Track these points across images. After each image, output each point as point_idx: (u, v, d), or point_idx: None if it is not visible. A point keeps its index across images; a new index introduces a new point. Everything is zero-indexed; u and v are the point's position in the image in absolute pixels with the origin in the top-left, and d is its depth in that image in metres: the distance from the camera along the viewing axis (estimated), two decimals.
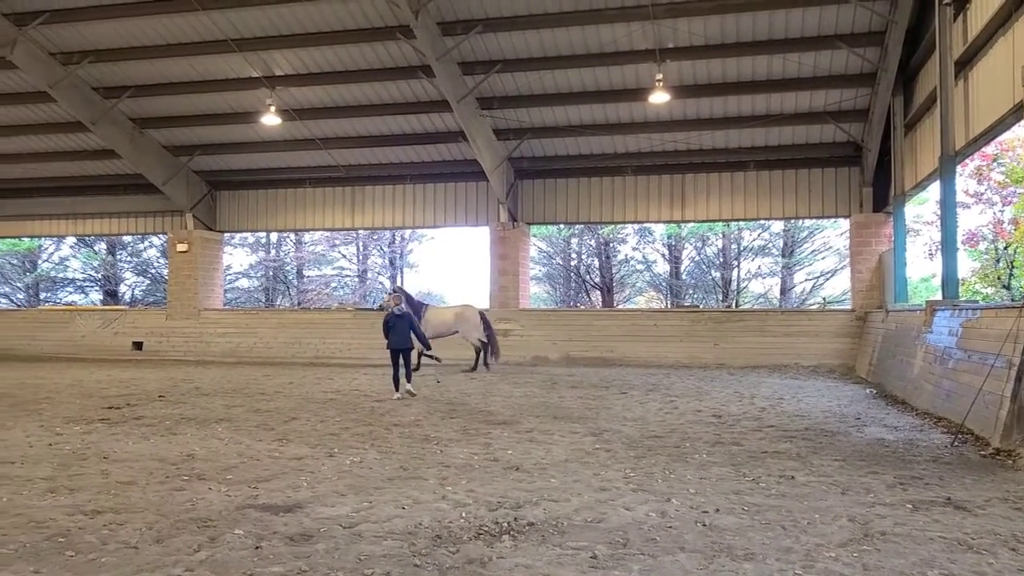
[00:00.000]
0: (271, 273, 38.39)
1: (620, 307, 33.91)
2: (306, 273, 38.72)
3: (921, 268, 27.86)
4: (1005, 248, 24.28)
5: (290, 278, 38.71)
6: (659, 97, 16.81)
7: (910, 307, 15.20)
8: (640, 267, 35.83)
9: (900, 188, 16.77)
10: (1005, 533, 5.38)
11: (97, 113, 19.62)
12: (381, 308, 18.35)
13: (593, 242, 35.38)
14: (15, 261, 37.65)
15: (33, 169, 23.75)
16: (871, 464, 7.74)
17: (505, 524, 5.67)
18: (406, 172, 22.24)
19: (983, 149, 16.79)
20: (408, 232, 35.91)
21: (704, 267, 34.82)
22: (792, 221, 29.92)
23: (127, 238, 35.86)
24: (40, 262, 38.28)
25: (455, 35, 16.50)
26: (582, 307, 34.44)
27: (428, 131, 20.52)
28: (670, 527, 5.64)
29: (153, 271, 37.80)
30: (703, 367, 18.87)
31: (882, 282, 18.46)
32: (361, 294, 37.27)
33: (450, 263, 45.93)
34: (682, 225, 31.14)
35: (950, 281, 11.96)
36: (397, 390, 12.94)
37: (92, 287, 38.66)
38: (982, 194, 24.24)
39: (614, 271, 35.37)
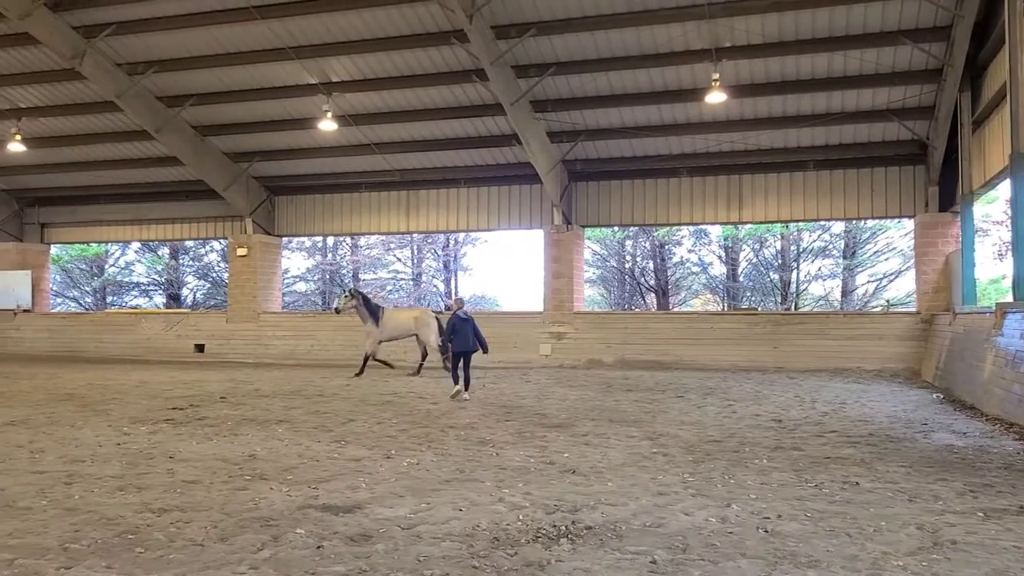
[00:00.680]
0: (328, 276, 38.98)
1: (676, 310, 33.58)
2: (362, 276, 39.19)
3: (990, 269, 27.02)
4: None
5: (346, 281, 39.24)
6: (715, 97, 16.58)
7: (979, 309, 14.71)
8: (696, 269, 35.43)
9: (968, 187, 16.25)
10: None
11: (161, 121, 20.16)
12: (337, 311, 18.19)
13: (648, 244, 35.10)
14: (84, 266, 38.92)
15: (101, 176, 24.51)
16: (939, 471, 7.51)
17: (563, 527, 5.64)
18: (460, 176, 22.36)
19: None
20: (462, 235, 36.11)
21: (762, 269, 34.26)
22: (854, 222, 29.25)
23: (189, 243, 36.76)
24: (107, 267, 39.51)
25: (509, 38, 16.53)
26: (637, 310, 34.19)
27: (482, 134, 20.60)
28: (731, 533, 5.55)
29: (214, 275, 38.71)
30: (761, 371, 18.56)
31: (949, 284, 17.92)
32: (416, 297, 37.59)
33: (504, 266, 46.00)
34: (739, 227, 30.72)
35: (1021, 282, 11.53)
36: (456, 383, 13.18)
37: (156, 291, 39.78)
38: None
39: (669, 273, 35.05)
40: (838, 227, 31.73)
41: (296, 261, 38.85)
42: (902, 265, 30.54)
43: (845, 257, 32.47)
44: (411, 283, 38.75)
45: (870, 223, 29.80)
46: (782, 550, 5.15)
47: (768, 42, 16.16)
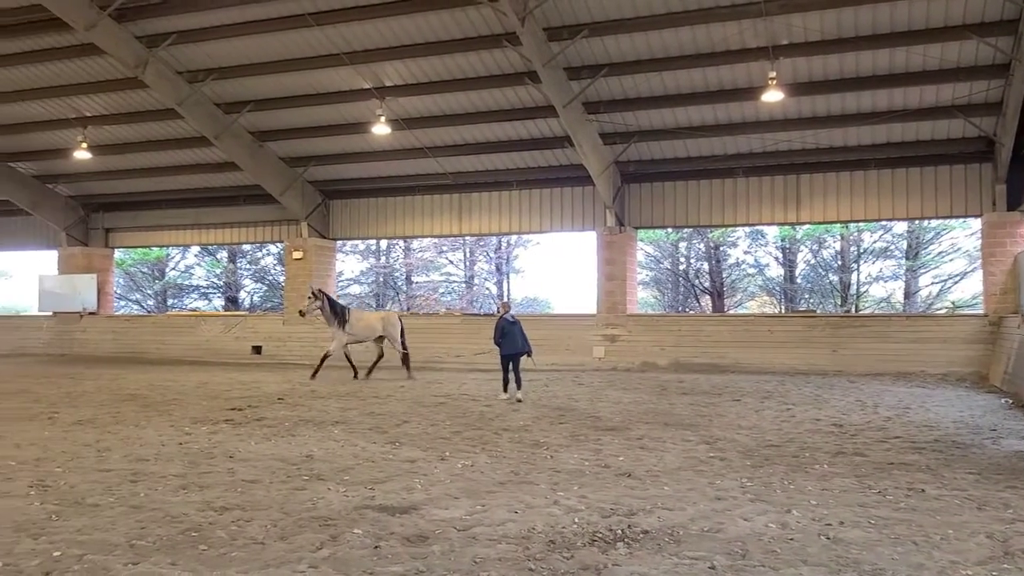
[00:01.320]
0: (381, 279, 39.39)
1: (731, 312, 33.12)
2: (414, 279, 39.52)
3: None
4: None
5: (399, 284, 39.61)
6: (772, 96, 16.29)
7: None
8: (752, 271, 34.90)
9: None
10: None
11: (219, 128, 20.60)
12: (301, 313, 17.58)
13: (702, 246, 34.69)
14: (145, 269, 39.99)
15: (162, 182, 25.14)
16: (1009, 478, 7.26)
17: (619, 531, 5.59)
18: (512, 178, 22.38)
19: None
20: (514, 238, 36.15)
21: (821, 270, 33.58)
22: (917, 222, 28.46)
23: (246, 246, 37.51)
24: (168, 270, 40.52)
25: (561, 40, 16.49)
26: (691, 312, 33.80)
27: (534, 137, 20.58)
28: (791, 539, 5.44)
29: (270, 278, 39.42)
30: (821, 374, 18.17)
31: (1018, 285, 17.29)
32: (468, 300, 37.75)
33: (556, 268, 45.86)
34: (797, 227, 30.16)
35: None
36: (505, 391, 13.49)
37: (215, 293, 40.68)
38: None
39: (724, 275, 34.59)
40: (900, 227, 30.88)
41: (350, 264, 39.36)
42: (968, 266, 29.59)
43: (908, 258, 31.61)
44: (463, 286, 38.94)
45: (934, 223, 28.93)
46: (845, 557, 5.04)
47: (827, 39, 15.81)
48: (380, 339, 17.82)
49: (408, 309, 37.30)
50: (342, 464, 7.95)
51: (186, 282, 40.85)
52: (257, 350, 24.57)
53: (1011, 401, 13.07)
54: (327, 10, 16.74)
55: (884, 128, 18.29)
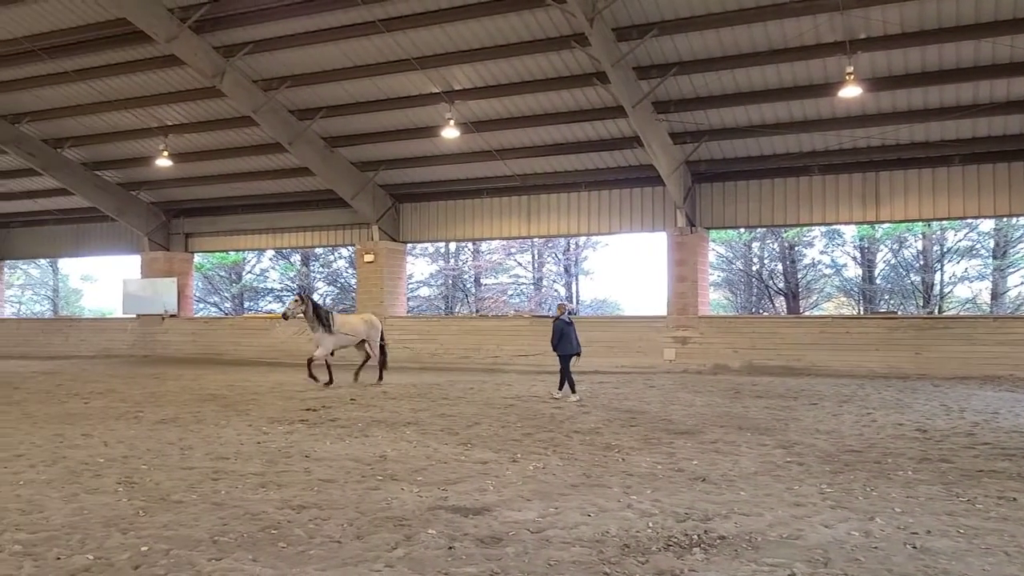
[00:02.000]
0: (450, 281, 39.72)
1: (807, 313, 32.33)
2: (483, 281, 39.73)
3: None
4: None
5: (468, 286, 39.87)
6: (850, 91, 15.82)
7: None
8: (828, 271, 34.02)
9: None
10: None
11: (293, 134, 21.07)
12: (285, 316, 16.76)
13: (776, 246, 33.97)
14: (223, 273, 41.21)
15: (238, 188, 25.83)
16: None
17: (695, 536, 5.50)
18: (581, 179, 22.28)
19: None
20: (583, 239, 36.02)
21: (901, 270, 32.51)
22: (1005, 219, 27.29)
23: (319, 250, 38.31)
24: (244, 273, 41.68)
25: (630, 40, 16.33)
26: (765, 313, 33.12)
27: (603, 138, 20.44)
28: (875, 548, 5.27)
29: (342, 281, 40.18)
30: (902, 378, 17.58)
31: None
32: (537, 301, 37.77)
33: (626, 270, 45.53)
34: (876, 226, 29.26)
35: None
36: (573, 392, 13.68)
37: (289, 296, 41.62)
38: None
39: (799, 276, 33.80)
40: (987, 225, 29.69)
41: (420, 266, 39.82)
42: None
43: (995, 257, 30.35)
44: (532, 288, 38.97)
45: (1023, 220, 27.72)
46: (933, 568, 4.87)
47: (907, 31, 15.29)
48: (363, 342, 17.42)
49: (477, 311, 37.55)
50: (415, 465, 8.02)
51: (261, 285, 41.97)
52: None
53: None
54: (397, 16, 16.94)
55: (969, 123, 17.60)
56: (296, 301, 16.42)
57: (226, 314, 39.54)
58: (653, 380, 17.55)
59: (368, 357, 17.49)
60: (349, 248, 33.65)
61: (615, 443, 9.33)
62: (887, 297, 32.78)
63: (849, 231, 31.67)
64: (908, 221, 23.57)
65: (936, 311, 30.22)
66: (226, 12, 17.44)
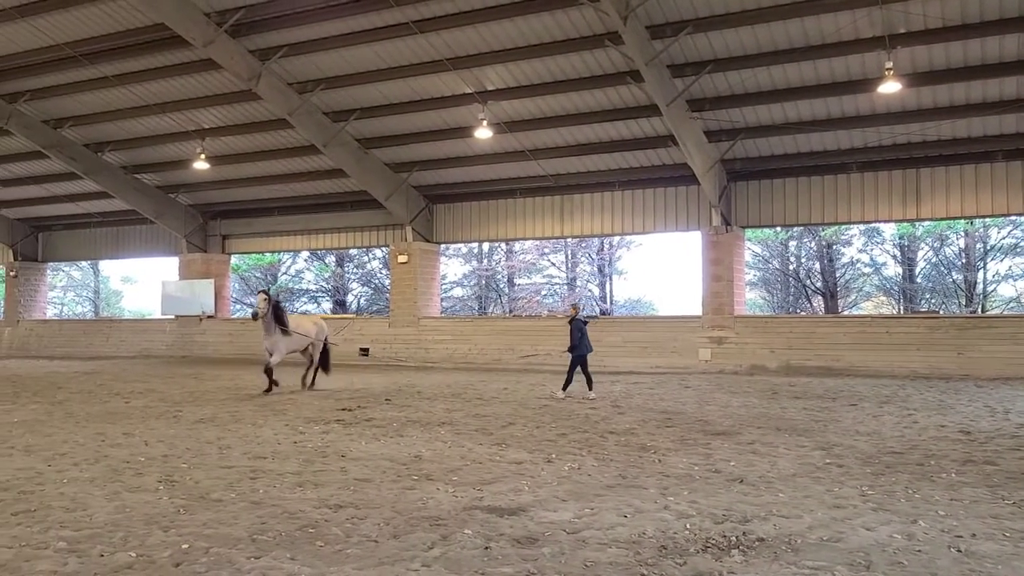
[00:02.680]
0: (484, 282, 39.77)
1: (846, 313, 31.86)
2: (517, 281, 39.72)
3: None
4: None
5: (501, 286, 39.89)
6: (889, 87, 15.54)
7: None
8: (867, 270, 33.49)
9: None
10: None
11: (327, 136, 21.24)
12: (254, 316, 15.69)
13: (814, 244, 33.52)
14: (259, 274, 41.69)
15: (274, 190, 26.12)
16: None
17: (733, 538, 5.43)
18: (614, 179, 22.18)
19: None
20: (617, 239, 35.86)
21: (943, 269, 31.90)
22: None
23: (353, 251, 38.58)
24: (279, 274, 42.12)
25: (664, 38, 16.21)
26: (803, 313, 32.70)
27: (636, 136, 20.32)
28: (919, 551, 5.16)
29: (376, 281, 40.42)
30: (944, 378, 17.24)
31: None
32: (570, 302, 37.64)
33: (660, 269, 45.19)
34: (916, 224, 28.74)
35: None
36: (591, 390, 13.98)
37: (323, 297, 42.03)
38: None
39: (838, 275, 33.31)
40: None
41: (453, 267, 39.94)
42: None
43: None
44: (565, 287, 38.89)
45: None
46: (979, 572, 4.76)
47: (949, 25, 14.99)
48: (307, 348, 16.61)
49: (511, 311, 37.54)
50: (450, 465, 8.03)
51: (297, 286, 42.36)
52: (365, 352, 25.15)
53: None
54: (430, 17, 17.00)
55: (1013, 118, 17.22)
56: (266, 299, 15.49)
57: None
58: (688, 381, 17.42)
59: (312, 362, 16.59)
60: (383, 249, 33.84)
61: (651, 444, 9.26)
62: (928, 296, 32.21)
63: (888, 229, 31.16)
64: (950, 218, 23.13)
65: (979, 310, 29.62)
66: (261, 16, 17.63)
